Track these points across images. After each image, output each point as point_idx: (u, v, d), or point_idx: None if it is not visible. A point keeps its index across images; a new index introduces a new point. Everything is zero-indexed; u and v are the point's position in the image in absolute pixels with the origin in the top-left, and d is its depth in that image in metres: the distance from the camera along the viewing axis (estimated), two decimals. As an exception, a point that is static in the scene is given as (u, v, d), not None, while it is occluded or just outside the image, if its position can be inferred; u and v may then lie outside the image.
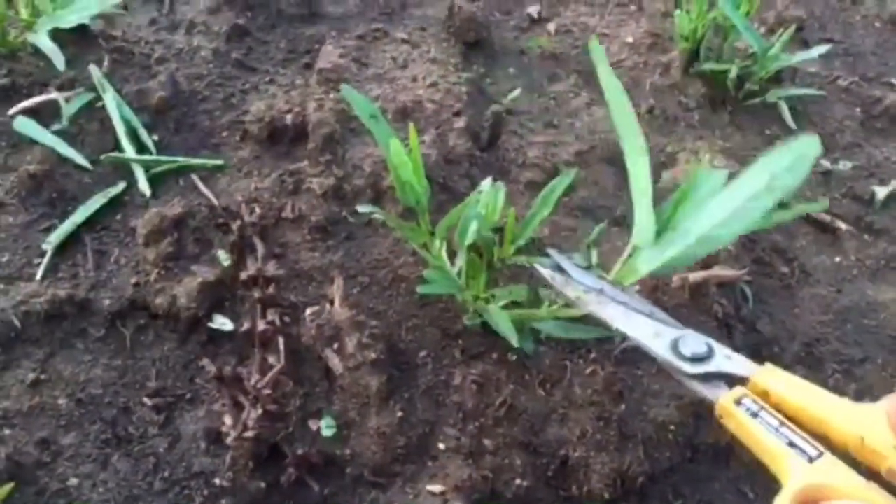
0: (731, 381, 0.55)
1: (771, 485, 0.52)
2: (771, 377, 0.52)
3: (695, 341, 0.61)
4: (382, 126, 0.91)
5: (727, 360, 0.57)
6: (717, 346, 0.60)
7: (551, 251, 0.87)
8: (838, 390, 1.12)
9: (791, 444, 0.46)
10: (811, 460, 0.44)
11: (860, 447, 0.44)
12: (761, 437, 0.48)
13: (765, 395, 0.51)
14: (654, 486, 0.95)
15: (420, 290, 0.96)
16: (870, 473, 0.43)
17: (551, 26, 1.56)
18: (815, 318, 1.19)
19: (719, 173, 0.82)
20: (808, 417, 0.48)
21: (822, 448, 0.45)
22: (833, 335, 1.18)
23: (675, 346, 0.61)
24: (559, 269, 0.81)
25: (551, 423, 0.96)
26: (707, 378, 0.57)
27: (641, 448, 0.95)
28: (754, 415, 0.49)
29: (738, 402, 0.51)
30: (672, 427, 0.97)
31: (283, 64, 1.37)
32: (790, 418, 0.48)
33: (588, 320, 0.95)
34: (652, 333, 0.65)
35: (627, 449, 0.95)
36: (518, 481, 0.91)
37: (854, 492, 0.41)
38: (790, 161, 0.72)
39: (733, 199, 0.76)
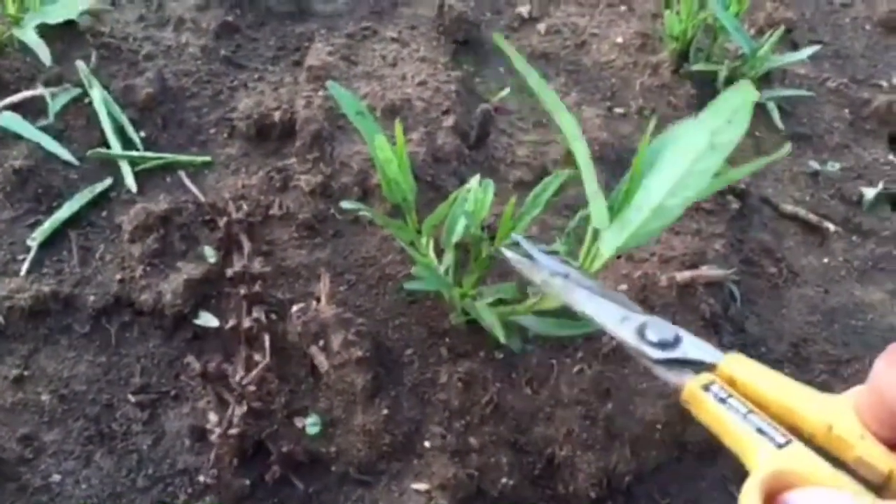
0: (698, 367, 0.54)
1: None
2: (738, 365, 0.51)
3: (662, 327, 0.59)
4: (369, 122, 0.91)
5: (694, 347, 0.56)
6: (684, 333, 0.58)
7: (519, 238, 0.84)
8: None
9: (760, 431, 0.45)
10: (780, 447, 0.44)
11: (827, 436, 0.44)
12: (729, 423, 0.47)
13: (731, 383, 0.50)
14: (640, 485, 0.95)
15: (407, 286, 0.95)
16: (837, 463, 0.42)
17: (541, 26, 1.56)
18: (802, 318, 1.19)
19: (660, 141, 0.78)
20: (774, 405, 0.47)
21: (790, 436, 0.44)
22: (821, 335, 1.18)
23: (641, 332, 0.60)
24: (527, 255, 0.79)
25: (538, 422, 0.96)
26: (673, 364, 0.56)
27: (628, 447, 0.95)
28: (722, 401, 0.48)
29: (705, 388, 0.50)
30: (659, 426, 0.97)
31: (272, 61, 1.36)
32: (757, 406, 0.48)
33: (572, 316, 0.95)
34: (619, 318, 0.63)
35: (614, 448, 0.94)
36: (504, 480, 0.91)
37: (823, 479, 0.41)
38: (728, 114, 0.67)
39: (677, 165, 0.71)
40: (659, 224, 0.73)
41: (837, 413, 0.44)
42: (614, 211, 0.78)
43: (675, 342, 0.57)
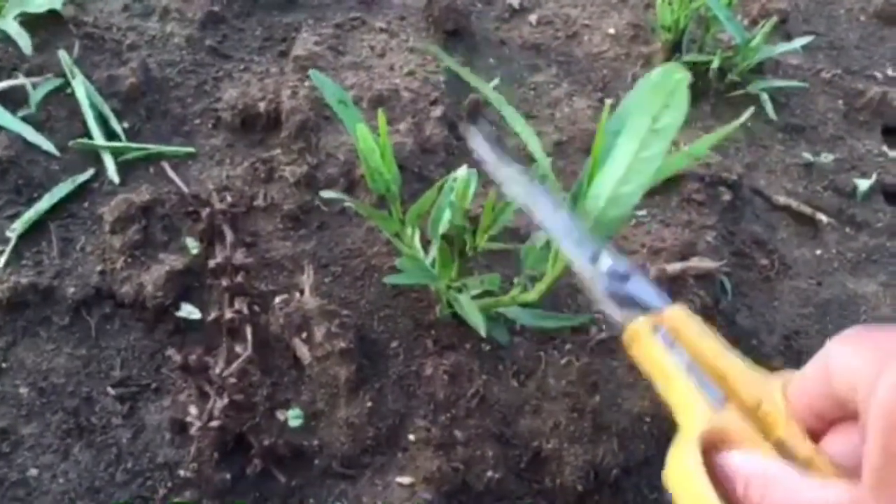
0: (644, 310, 0.53)
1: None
2: (683, 317, 0.50)
3: (615, 259, 0.58)
4: (351, 112, 0.89)
5: (644, 287, 0.55)
6: (634, 271, 0.57)
7: (485, 125, 0.78)
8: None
9: (700, 387, 0.45)
10: (717, 408, 0.44)
11: (754, 412, 0.44)
12: (672, 371, 0.47)
13: (675, 334, 0.50)
14: (628, 478, 0.94)
15: (388, 280, 0.94)
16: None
17: (533, 17, 1.55)
18: (794, 310, 1.18)
19: (615, 122, 0.78)
20: (709, 367, 0.47)
21: (726, 395, 0.45)
22: (813, 328, 1.17)
23: (594, 258, 0.59)
24: (492, 147, 0.76)
25: (524, 415, 0.94)
26: (620, 300, 0.55)
27: (616, 440, 0.94)
28: (669, 346, 0.48)
29: (655, 329, 0.49)
30: (647, 419, 0.96)
31: (258, 51, 1.34)
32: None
33: (559, 308, 0.94)
34: (575, 239, 0.62)
35: (601, 441, 0.93)
36: (489, 473, 0.90)
37: (759, 444, 0.41)
38: (664, 97, 0.65)
39: (626, 153, 0.70)
40: (617, 213, 0.72)
41: (768, 392, 0.44)
42: (577, 202, 0.77)
43: (626, 277, 0.56)
